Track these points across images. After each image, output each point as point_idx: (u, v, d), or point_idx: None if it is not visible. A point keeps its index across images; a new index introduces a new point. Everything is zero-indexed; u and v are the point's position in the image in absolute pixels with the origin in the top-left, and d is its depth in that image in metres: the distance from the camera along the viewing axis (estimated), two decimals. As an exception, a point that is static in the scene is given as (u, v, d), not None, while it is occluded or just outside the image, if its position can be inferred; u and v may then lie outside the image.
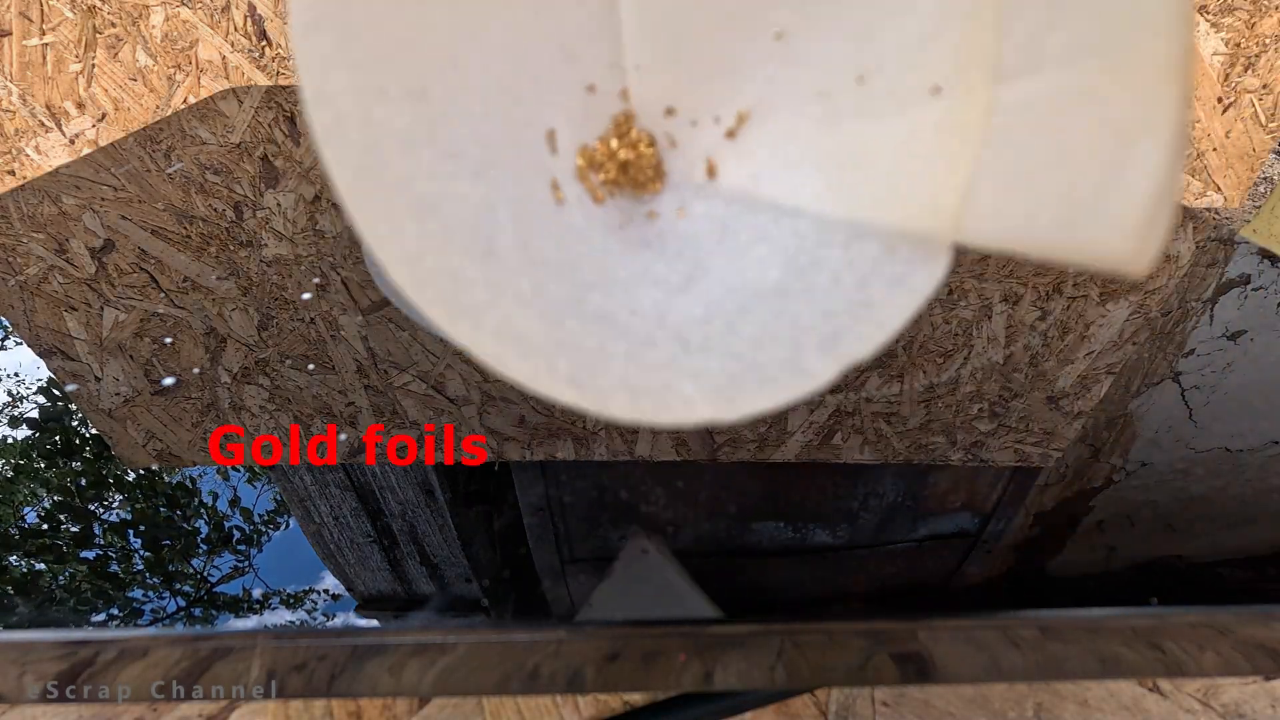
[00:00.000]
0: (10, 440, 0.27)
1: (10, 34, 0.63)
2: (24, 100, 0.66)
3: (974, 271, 0.37)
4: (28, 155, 0.68)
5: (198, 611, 0.21)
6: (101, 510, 0.25)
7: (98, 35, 0.63)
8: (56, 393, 0.29)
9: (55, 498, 0.25)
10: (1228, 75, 0.64)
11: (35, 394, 0.29)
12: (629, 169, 0.18)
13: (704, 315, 0.16)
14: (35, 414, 0.28)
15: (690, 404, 0.14)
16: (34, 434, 0.27)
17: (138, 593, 0.22)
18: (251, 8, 0.62)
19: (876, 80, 0.16)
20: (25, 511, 0.24)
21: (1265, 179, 0.69)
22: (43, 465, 0.26)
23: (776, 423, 0.27)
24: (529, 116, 0.16)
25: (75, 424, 0.28)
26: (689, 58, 0.17)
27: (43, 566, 0.23)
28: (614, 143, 0.18)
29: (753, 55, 0.17)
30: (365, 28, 0.13)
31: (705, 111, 0.18)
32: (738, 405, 0.14)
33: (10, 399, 0.29)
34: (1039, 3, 0.13)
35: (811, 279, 0.16)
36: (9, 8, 0.61)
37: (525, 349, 0.14)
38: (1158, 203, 0.12)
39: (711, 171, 0.18)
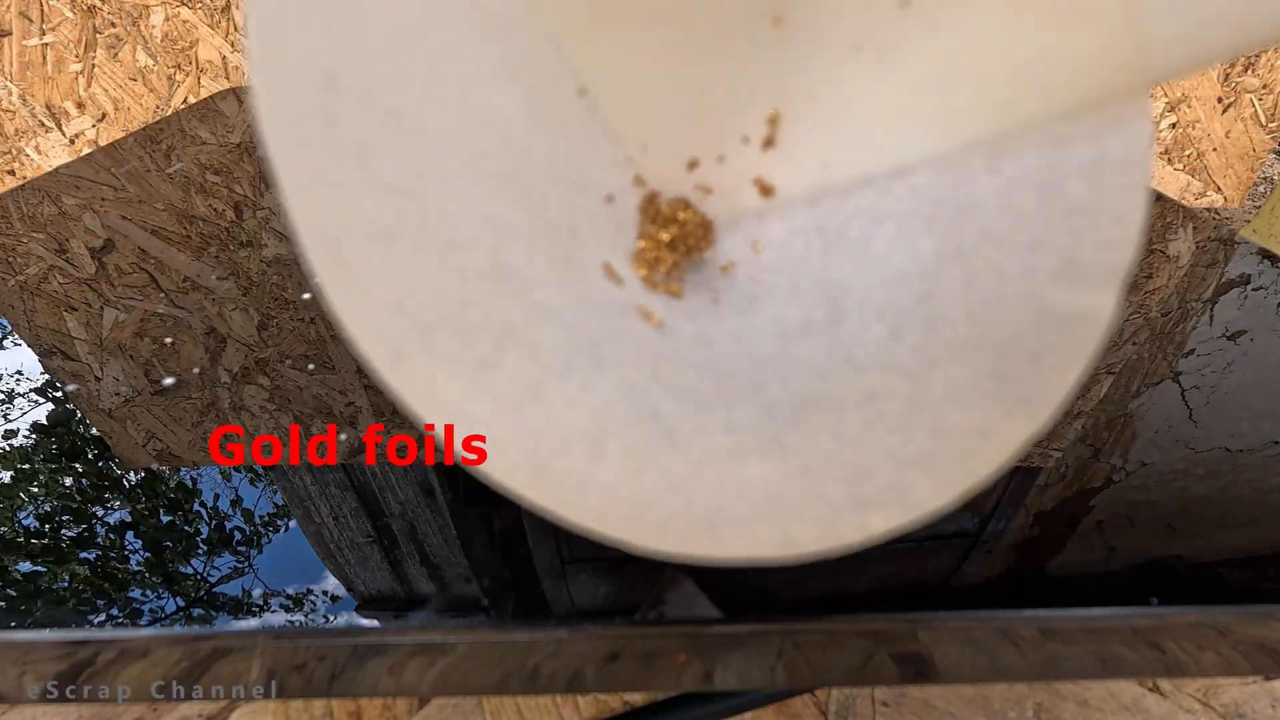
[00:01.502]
0: (11, 444, 0.27)
1: (10, 34, 0.63)
2: (24, 100, 0.66)
3: (974, 271, 0.37)
4: (28, 155, 0.68)
5: (197, 612, 0.21)
6: (102, 512, 0.25)
7: (98, 35, 0.63)
8: (58, 394, 0.29)
9: (56, 502, 0.25)
10: (1228, 75, 0.64)
11: (32, 392, 0.29)
12: (678, 245, 0.16)
13: (891, 330, 0.13)
14: (40, 415, 0.28)
15: (988, 435, 0.11)
16: (37, 436, 0.27)
17: (136, 593, 0.22)
18: (251, 8, 0.62)
19: None
20: (25, 512, 0.24)
21: (1265, 179, 0.69)
22: (49, 467, 0.26)
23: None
24: (585, 270, 0.14)
25: (79, 426, 0.28)
26: (687, 104, 0.15)
27: (43, 569, 0.23)
28: (653, 230, 0.16)
29: (756, 54, 0.14)
30: (430, 313, 0.12)
31: (730, 139, 0.15)
32: (1033, 394, 0.11)
33: (5, 397, 0.29)
34: None
35: (978, 220, 0.13)
36: (9, 8, 0.61)
37: (772, 504, 0.11)
38: None
39: (765, 190, 0.16)
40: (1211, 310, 0.35)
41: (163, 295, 0.34)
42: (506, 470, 0.12)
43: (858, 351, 0.13)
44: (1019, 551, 0.24)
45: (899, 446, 0.12)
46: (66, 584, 0.22)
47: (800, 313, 0.14)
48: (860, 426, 0.12)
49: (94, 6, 0.62)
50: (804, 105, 0.15)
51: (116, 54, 0.64)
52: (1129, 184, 0.12)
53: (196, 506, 0.25)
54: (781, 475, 0.12)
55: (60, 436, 0.27)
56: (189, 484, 0.26)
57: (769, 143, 0.15)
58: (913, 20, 0.13)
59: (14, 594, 0.22)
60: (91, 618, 0.21)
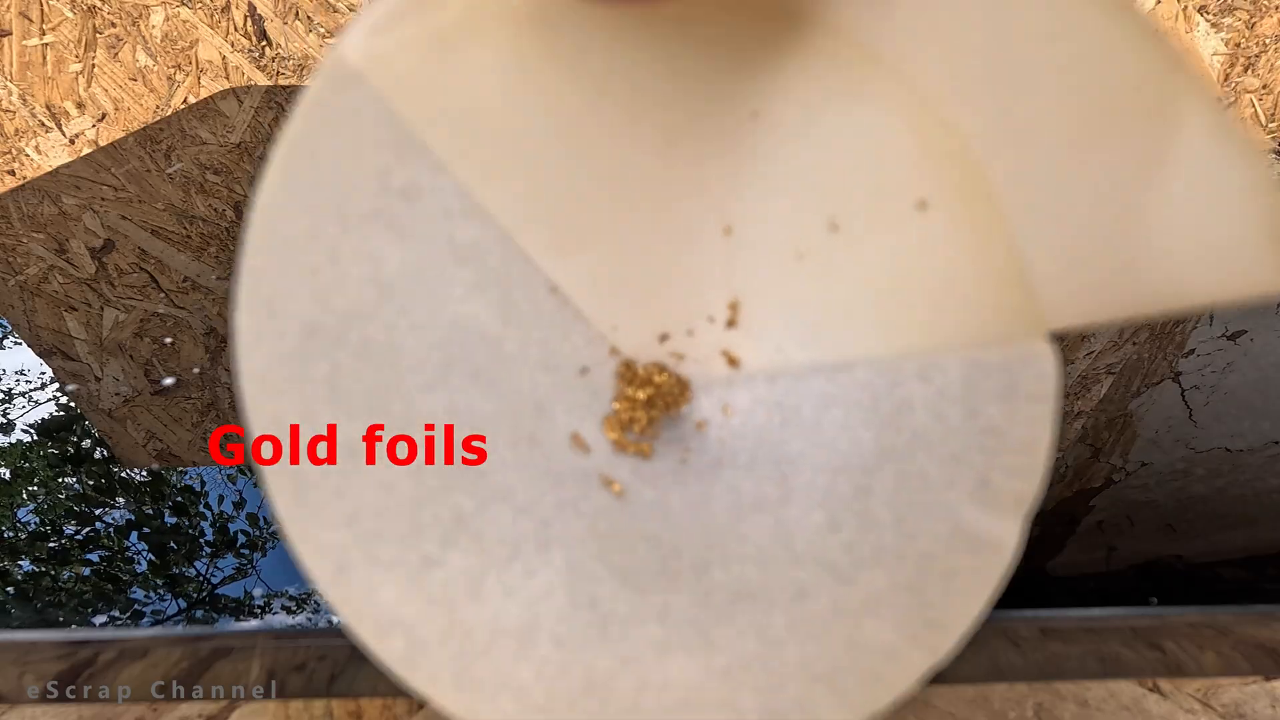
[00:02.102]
0: (10, 441, 0.27)
1: (10, 34, 0.63)
2: (24, 100, 0.66)
3: (974, 271, 0.37)
4: (28, 155, 0.69)
5: (199, 614, 0.21)
6: (105, 513, 0.25)
7: (98, 35, 0.63)
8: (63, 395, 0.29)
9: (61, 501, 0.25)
10: (1228, 75, 0.64)
11: (37, 389, 0.29)
12: (655, 401, 0.17)
13: (828, 518, 0.14)
14: (40, 414, 0.28)
15: (897, 659, 0.12)
16: (39, 437, 0.27)
17: (139, 593, 0.22)
18: (251, 8, 0.62)
19: (854, 221, 0.15)
20: (25, 513, 0.24)
21: (1265, 179, 0.69)
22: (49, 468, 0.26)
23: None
24: (552, 444, 0.15)
25: (82, 427, 0.28)
26: (653, 293, 0.17)
27: (43, 570, 0.23)
28: (630, 391, 0.17)
29: (712, 257, 0.16)
30: (379, 522, 0.13)
31: (696, 318, 0.17)
32: (943, 618, 0.12)
33: (4, 397, 0.29)
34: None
35: (911, 423, 0.14)
36: (9, 8, 0.61)
37: (673, 703, 0.12)
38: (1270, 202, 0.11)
39: (732, 361, 0.17)
40: (1211, 310, 0.35)
41: (163, 295, 0.34)
42: (429, 678, 0.12)
43: (798, 539, 0.14)
44: (1019, 551, 0.24)
45: (814, 658, 0.12)
46: (68, 577, 0.22)
47: (755, 486, 0.15)
48: (785, 629, 0.13)
49: (94, 6, 0.62)
50: (758, 299, 0.16)
51: (116, 54, 0.64)
52: (1037, 415, 0.13)
53: (201, 508, 0.25)
54: (703, 675, 0.12)
55: (62, 439, 0.27)
56: (196, 486, 0.26)
57: (731, 323, 0.17)
58: (842, 242, 0.15)
59: (13, 594, 0.22)
60: (92, 618, 0.21)
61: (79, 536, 0.24)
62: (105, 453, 0.26)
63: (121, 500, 0.25)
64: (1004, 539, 0.12)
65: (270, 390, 0.13)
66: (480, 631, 0.13)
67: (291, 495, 0.12)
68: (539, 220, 0.16)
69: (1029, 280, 0.13)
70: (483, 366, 0.15)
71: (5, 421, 0.28)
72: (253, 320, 0.13)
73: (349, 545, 0.12)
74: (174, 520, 0.24)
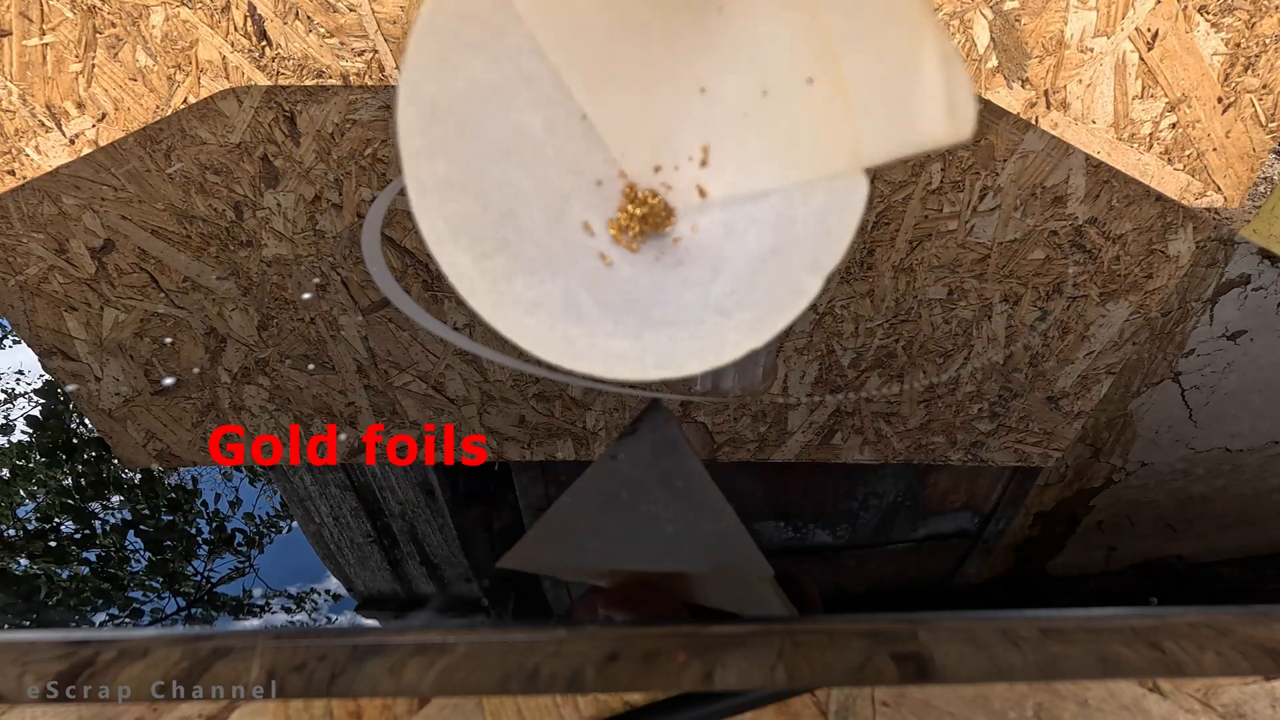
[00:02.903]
0: (9, 440, 0.27)
1: (10, 34, 0.63)
2: (24, 100, 0.66)
3: (974, 272, 0.37)
4: (28, 155, 0.69)
5: (197, 612, 0.21)
6: (102, 511, 0.25)
7: (98, 35, 0.63)
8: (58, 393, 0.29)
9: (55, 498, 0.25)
10: (1228, 75, 0.64)
11: (31, 392, 0.29)
12: (648, 218, 0.24)
13: (732, 289, 0.22)
14: (36, 412, 0.28)
15: (737, 344, 0.20)
16: (33, 433, 0.27)
17: (137, 593, 0.22)
18: (251, 8, 0.62)
19: (775, 87, 0.22)
20: (23, 512, 0.24)
21: (1265, 179, 0.69)
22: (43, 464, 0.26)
23: (776, 423, 0.27)
24: (570, 223, 0.23)
25: (76, 424, 0.28)
26: (651, 133, 0.24)
27: (39, 570, 0.23)
28: (630, 207, 0.24)
29: (692, 110, 0.24)
30: (463, 222, 0.21)
31: (681, 157, 0.25)
32: (766, 329, 0.20)
33: (5, 396, 0.29)
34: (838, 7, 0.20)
35: (791, 232, 0.22)
36: (9, 8, 0.61)
37: (621, 361, 0.20)
38: (950, 89, 0.19)
39: (702, 193, 0.25)
40: (1211, 310, 0.35)
41: (163, 295, 0.34)
42: (469, 293, 0.20)
43: (711, 300, 0.22)
44: (1019, 551, 0.24)
45: (695, 348, 0.21)
46: (66, 576, 0.22)
47: (698, 273, 0.23)
48: (687, 336, 0.21)
49: (94, 6, 0.62)
50: (720, 143, 0.24)
51: (116, 54, 0.64)
52: (852, 221, 0.21)
53: (198, 505, 0.25)
54: (631, 349, 0.21)
55: (56, 434, 0.27)
56: (189, 484, 0.26)
57: (703, 163, 0.25)
58: (769, 104, 0.23)
59: (14, 594, 0.22)
60: (92, 618, 0.21)
61: (76, 534, 0.24)
62: (93, 454, 0.26)
63: (118, 499, 0.25)
64: (814, 289, 0.21)
65: (418, 131, 0.20)
66: (507, 293, 0.20)
67: (426, 198, 0.20)
68: (578, 62, 0.23)
69: (856, 136, 0.21)
70: (530, 159, 0.23)
71: (4, 422, 0.28)
72: (409, 92, 0.20)
73: (450, 234, 0.20)
74: (170, 518, 0.24)
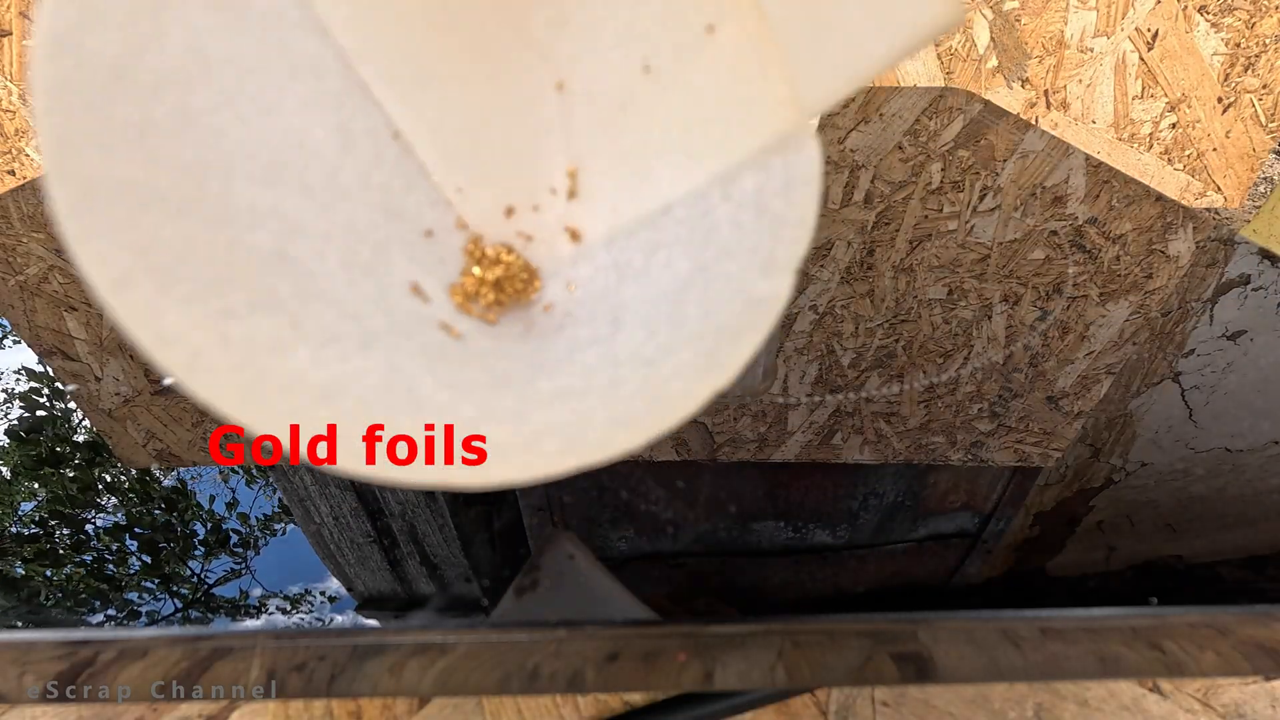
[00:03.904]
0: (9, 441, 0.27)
1: (10, 34, 0.63)
2: (24, 100, 0.66)
3: (974, 272, 0.37)
4: (28, 155, 0.69)
5: (195, 614, 0.21)
6: (96, 514, 0.25)
7: (98, 35, 0.63)
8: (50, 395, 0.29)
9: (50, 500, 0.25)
10: (1228, 75, 0.64)
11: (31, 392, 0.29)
12: (504, 285, 0.18)
13: (648, 332, 0.16)
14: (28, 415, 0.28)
15: (688, 393, 0.14)
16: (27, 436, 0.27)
17: (133, 595, 0.22)
18: (251, 8, 0.62)
19: (660, 57, 0.16)
20: (21, 512, 0.24)
21: (1265, 179, 0.69)
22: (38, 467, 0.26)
23: (776, 423, 0.27)
24: (389, 281, 0.16)
25: (70, 427, 0.28)
26: (497, 157, 0.18)
27: (34, 572, 0.23)
28: (477, 270, 0.18)
29: (548, 117, 0.17)
30: (175, 263, 0.13)
31: (540, 191, 0.18)
32: (728, 364, 0.14)
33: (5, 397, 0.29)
34: None
35: (718, 239, 0.16)
36: (9, 8, 0.61)
37: (503, 459, 0.14)
38: None
39: (575, 236, 0.18)
40: (1211, 310, 0.35)
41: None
42: (211, 389, 0.12)
43: (622, 353, 0.16)
44: (1019, 551, 0.24)
45: (617, 415, 0.14)
46: (64, 576, 0.22)
47: (591, 331, 0.17)
48: (598, 403, 0.15)
49: (94, 6, 0.62)
50: (592, 159, 0.18)
51: (116, 54, 0.64)
52: (808, 195, 0.16)
53: (201, 503, 0.25)
54: (512, 439, 0.14)
55: (47, 439, 0.27)
56: (186, 484, 0.26)
57: (572, 194, 0.18)
58: (654, 83, 0.17)
59: (12, 593, 0.22)
60: (91, 618, 0.21)
61: (71, 536, 0.24)
62: (81, 458, 0.26)
63: (114, 500, 0.25)
64: (779, 292, 0.15)
65: (70, 121, 0.13)
66: (278, 376, 0.13)
67: (75, 203, 0.12)
68: (379, 50, 0.16)
69: (792, 76, 0.15)
70: (316, 185, 0.16)
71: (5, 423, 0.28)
72: (53, 46, 0.12)
73: (134, 267, 0.12)
74: (165, 519, 0.24)
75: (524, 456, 0.13)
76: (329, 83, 0.16)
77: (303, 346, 0.14)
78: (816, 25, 0.15)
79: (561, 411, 0.14)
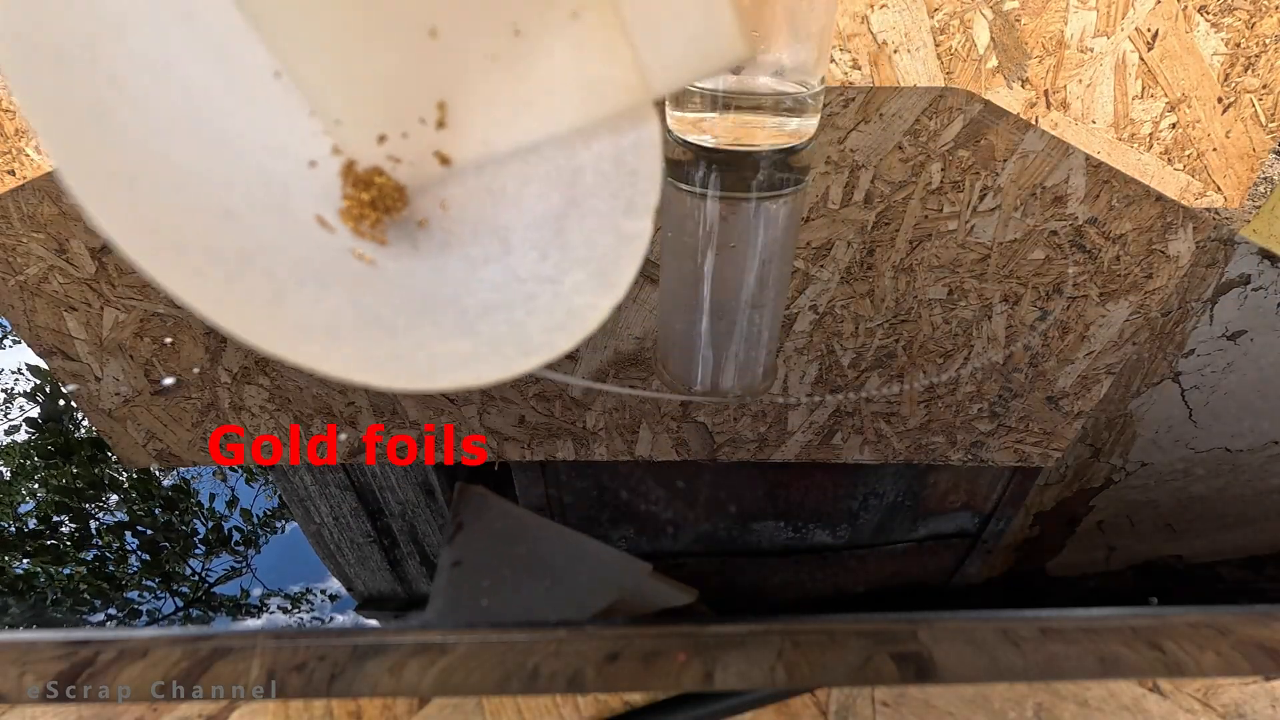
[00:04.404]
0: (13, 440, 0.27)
1: (10, 34, 0.63)
2: (24, 100, 0.66)
3: (974, 272, 0.37)
4: (28, 155, 0.69)
5: (195, 612, 0.21)
6: (98, 511, 0.25)
7: (98, 35, 0.63)
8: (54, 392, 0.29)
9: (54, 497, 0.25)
10: (1228, 75, 0.64)
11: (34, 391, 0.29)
12: (377, 203, 0.20)
13: (540, 254, 0.19)
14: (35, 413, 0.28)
15: (594, 306, 0.18)
16: (32, 433, 0.27)
17: (134, 594, 0.22)
18: (251, 8, 0.62)
19: (530, 26, 0.19)
20: (21, 511, 0.24)
21: (1265, 179, 0.69)
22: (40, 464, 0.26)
23: (776, 423, 0.27)
24: (301, 218, 0.19)
25: (74, 424, 0.28)
26: (370, 90, 0.19)
27: (39, 569, 0.23)
28: (352, 190, 0.20)
29: (420, 59, 0.19)
30: (183, 230, 0.15)
31: (410, 120, 0.20)
32: (618, 283, 0.18)
33: (5, 397, 0.29)
34: None
35: (584, 181, 0.20)
36: (9, 8, 0.61)
37: (481, 363, 0.17)
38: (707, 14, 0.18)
39: (444, 160, 0.20)
40: (1211, 310, 0.35)
41: (163, 295, 0.34)
42: (245, 329, 0.15)
43: (522, 271, 0.19)
44: (1019, 551, 0.24)
45: (549, 323, 0.18)
46: (67, 574, 0.22)
47: (482, 250, 0.20)
48: (525, 315, 0.18)
49: (94, 6, 0.62)
50: (462, 97, 0.20)
51: (116, 54, 0.64)
52: (654, 154, 0.19)
53: (200, 503, 0.25)
54: (476, 348, 0.17)
55: (54, 434, 0.27)
56: (190, 483, 0.26)
57: (441, 124, 0.20)
58: (524, 45, 0.19)
59: (11, 593, 0.22)
60: (91, 618, 0.21)
61: (73, 533, 0.24)
62: (85, 454, 0.26)
63: (115, 498, 0.25)
64: (644, 231, 0.19)
65: (46, 106, 0.14)
66: (284, 319, 0.16)
67: (100, 202, 0.15)
68: None
69: (640, 63, 0.19)
70: (221, 137, 0.18)
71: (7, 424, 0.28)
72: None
73: (166, 246, 0.15)
74: (166, 518, 0.24)
75: (498, 362, 0.17)
76: (211, 29, 0.17)
77: (289, 294, 0.16)
78: (660, 36, 0.19)
79: (497, 324, 0.18)
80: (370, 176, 0.20)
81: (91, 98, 0.15)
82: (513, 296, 0.18)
